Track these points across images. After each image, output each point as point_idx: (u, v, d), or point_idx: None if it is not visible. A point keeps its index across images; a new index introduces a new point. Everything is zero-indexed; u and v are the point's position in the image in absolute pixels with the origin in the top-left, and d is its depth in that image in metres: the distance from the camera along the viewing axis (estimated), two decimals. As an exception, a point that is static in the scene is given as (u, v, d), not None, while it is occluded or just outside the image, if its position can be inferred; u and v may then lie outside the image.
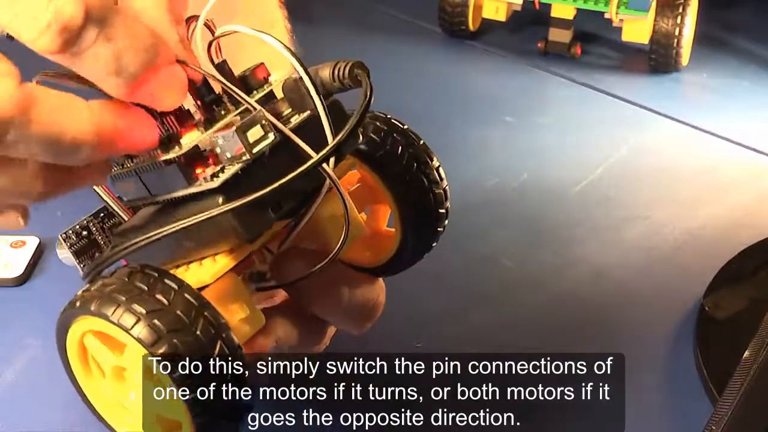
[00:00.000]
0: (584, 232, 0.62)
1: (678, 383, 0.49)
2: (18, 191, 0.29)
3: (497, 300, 0.55)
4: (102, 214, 0.38)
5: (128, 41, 0.27)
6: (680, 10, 0.82)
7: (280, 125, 0.31)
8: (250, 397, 0.32)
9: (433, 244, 0.41)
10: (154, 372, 0.30)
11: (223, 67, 0.32)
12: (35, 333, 0.51)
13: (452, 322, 0.53)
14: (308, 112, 0.32)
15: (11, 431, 0.45)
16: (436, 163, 0.39)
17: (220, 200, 0.30)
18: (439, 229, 0.40)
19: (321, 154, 0.30)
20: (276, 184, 0.29)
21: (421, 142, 0.39)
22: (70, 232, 0.38)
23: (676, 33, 0.83)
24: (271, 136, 0.30)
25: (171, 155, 0.31)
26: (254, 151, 0.30)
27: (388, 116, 0.39)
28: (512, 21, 0.92)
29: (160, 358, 0.29)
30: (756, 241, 0.58)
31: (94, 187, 0.35)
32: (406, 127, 0.39)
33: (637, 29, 0.85)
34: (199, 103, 0.32)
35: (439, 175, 0.39)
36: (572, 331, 0.53)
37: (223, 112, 0.32)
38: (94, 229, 0.38)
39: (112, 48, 0.27)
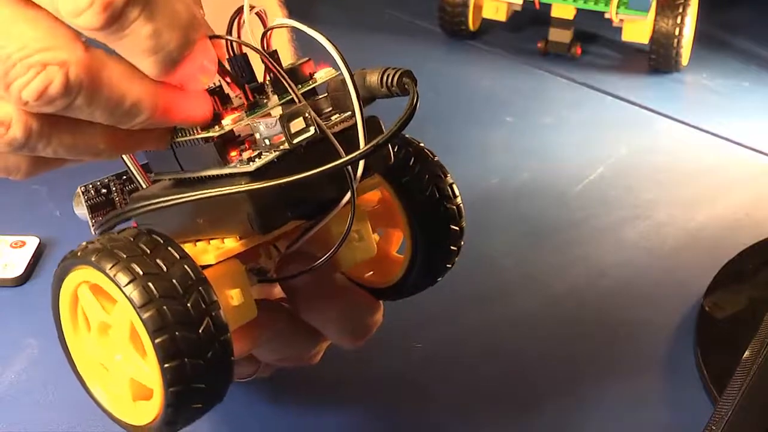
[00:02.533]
0: (584, 232, 0.62)
1: (678, 383, 0.49)
2: (83, 149, 0.30)
3: (497, 300, 0.55)
4: (125, 177, 0.38)
5: (168, 20, 0.27)
6: (680, 10, 0.83)
7: (320, 123, 0.31)
8: (227, 385, 0.32)
9: (439, 279, 0.41)
10: (139, 334, 0.30)
11: (274, 57, 0.32)
12: (35, 333, 0.51)
13: (452, 323, 0.53)
14: (349, 113, 0.32)
15: (11, 431, 0.45)
16: (459, 200, 0.39)
17: (244, 181, 0.30)
18: (447, 265, 0.40)
19: (355, 154, 0.30)
20: (300, 176, 0.30)
21: (448, 176, 0.39)
22: (90, 186, 0.38)
23: (676, 33, 0.83)
24: (312, 130, 0.30)
25: (211, 133, 0.31)
26: (294, 141, 0.30)
27: (421, 144, 0.39)
28: (512, 21, 0.92)
29: (146, 320, 0.29)
30: (756, 241, 0.58)
31: None
32: (436, 158, 0.39)
33: (637, 29, 0.85)
34: (240, 88, 0.32)
35: (459, 212, 0.39)
36: (572, 331, 0.53)
37: (265, 100, 0.32)
38: (114, 188, 0.38)
39: (152, 26, 0.27)
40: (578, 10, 0.86)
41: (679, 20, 0.82)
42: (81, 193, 0.37)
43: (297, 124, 0.30)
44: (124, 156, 0.35)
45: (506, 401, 0.48)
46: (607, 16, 0.85)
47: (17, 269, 0.55)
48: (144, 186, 0.36)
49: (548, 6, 0.86)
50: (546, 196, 0.66)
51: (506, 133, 0.76)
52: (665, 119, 0.78)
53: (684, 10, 0.83)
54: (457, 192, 0.39)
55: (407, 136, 0.39)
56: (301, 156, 0.31)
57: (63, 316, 0.34)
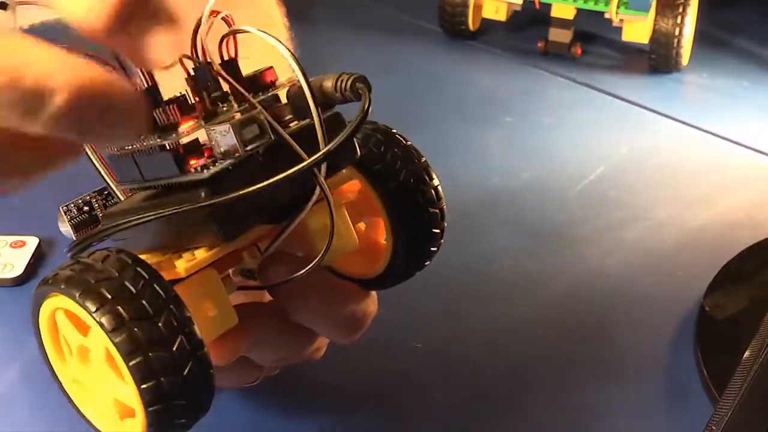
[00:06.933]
0: (584, 232, 0.62)
1: (678, 383, 0.49)
2: None
3: (497, 300, 0.55)
4: (106, 192, 0.38)
5: None
6: (680, 10, 0.83)
7: (277, 126, 0.31)
8: (210, 397, 0.32)
9: (426, 263, 0.40)
10: (114, 358, 0.30)
11: (230, 65, 0.32)
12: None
13: (451, 322, 0.53)
14: (309, 120, 0.32)
15: (12, 431, 0.45)
16: (435, 182, 0.38)
17: (203, 194, 0.30)
18: (432, 248, 0.39)
19: (309, 160, 0.30)
20: (257, 186, 0.30)
21: (423, 159, 0.38)
22: (72, 205, 0.38)
23: (676, 33, 0.83)
24: (267, 137, 0.30)
25: (166, 141, 0.31)
26: (247, 148, 0.30)
27: (392, 130, 0.38)
28: (512, 21, 0.92)
29: (118, 344, 0.29)
30: (756, 241, 0.58)
31: (95, 163, 0.35)
32: (409, 143, 0.38)
33: (637, 29, 0.85)
34: (198, 96, 0.32)
35: (437, 194, 0.38)
36: (572, 331, 0.53)
37: (225, 109, 0.32)
38: (96, 205, 0.38)
39: None
40: (578, 10, 0.86)
41: (679, 20, 0.82)
42: (63, 213, 0.37)
43: (251, 130, 0.30)
44: (100, 169, 0.35)
45: (506, 401, 0.48)
46: (607, 16, 0.85)
47: (17, 269, 0.55)
48: (121, 199, 0.36)
49: (548, 6, 0.86)
50: (546, 196, 0.66)
51: (506, 133, 0.76)
52: (665, 119, 0.78)
53: (684, 10, 0.83)
54: (433, 175, 0.38)
55: (378, 123, 0.39)
56: (261, 161, 0.31)
57: (45, 341, 0.34)
